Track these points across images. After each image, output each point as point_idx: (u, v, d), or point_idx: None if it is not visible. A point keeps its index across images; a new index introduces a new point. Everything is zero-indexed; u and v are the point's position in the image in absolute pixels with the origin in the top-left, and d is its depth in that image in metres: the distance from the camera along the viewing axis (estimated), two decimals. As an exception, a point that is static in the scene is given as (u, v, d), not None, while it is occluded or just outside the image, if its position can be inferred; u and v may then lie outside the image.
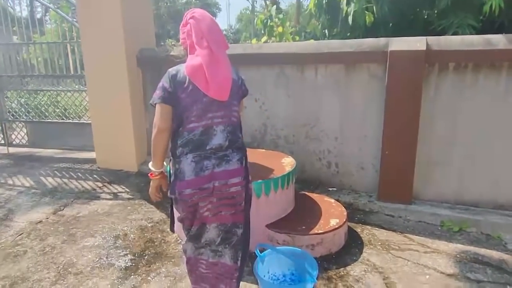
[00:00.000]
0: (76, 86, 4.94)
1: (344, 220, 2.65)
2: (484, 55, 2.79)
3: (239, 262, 1.78)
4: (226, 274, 1.77)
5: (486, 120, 2.92)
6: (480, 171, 3.02)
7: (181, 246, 1.91)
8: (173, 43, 3.05)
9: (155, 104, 1.62)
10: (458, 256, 2.52)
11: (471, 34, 3.56)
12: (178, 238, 2.77)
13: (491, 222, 2.85)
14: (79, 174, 4.30)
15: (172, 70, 1.63)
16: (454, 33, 3.61)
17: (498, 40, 2.77)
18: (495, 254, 2.55)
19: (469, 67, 2.89)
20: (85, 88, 4.49)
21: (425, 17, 4.59)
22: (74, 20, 4.57)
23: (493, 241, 2.74)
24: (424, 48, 2.88)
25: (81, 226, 2.99)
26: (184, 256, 1.85)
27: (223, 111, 1.63)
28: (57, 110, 5.04)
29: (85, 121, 4.80)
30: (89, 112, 4.49)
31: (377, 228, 2.94)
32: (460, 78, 2.93)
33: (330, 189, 3.56)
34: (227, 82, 1.60)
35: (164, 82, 1.62)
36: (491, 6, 3.28)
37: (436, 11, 4.18)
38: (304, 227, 2.53)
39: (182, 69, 1.61)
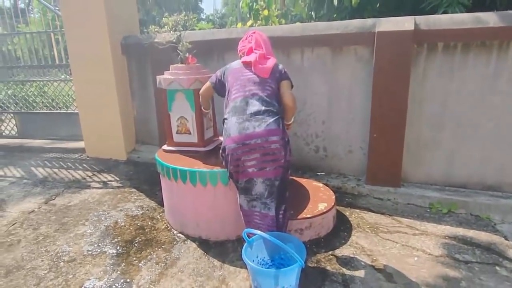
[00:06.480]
0: (63, 76, 4.88)
1: (333, 204, 2.65)
2: (474, 34, 2.74)
3: (281, 213, 2.13)
4: (273, 224, 2.10)
5: (475, 101, 2.89)
6: (468, 153, 3.00)
7: (238, 203, 2.20)
8: (156, 29, 2.97)
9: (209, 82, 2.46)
10: (446, 237, 2.53)
11: (461, 12, 3.49)
12: (168, 225, 2.77)
13: (480, 203, 2.85)
14: (69, 163, 4.28)
15: (227, 65, 2.37)
16: (444, 12, 3.53)
17: (489, 18, 2.71)
18: (484, 235, 2.56)
19: (459, 47, 2.84)
20: (71, 78, 4.42)
21: (414, -4, 4.48)
22: (57, 8, 4.47)
23: (482, 222, 2.75)
24: (412, 28, 2.82)
25: (72, 215, 3.00)
26: (240, 211, 2.19)
27: (258, 86, 2.13)
28: (45, 101, 4.98)
29: (72, 111, 4.75)
30: (76, 101, 4.44)
31: (365, 212, 2.95)
32: (450, 58, 2.88)
33: (319, 173, 3.55)
34: (268, 69, 2.18)
35: (219, 72, 2.38)
36: (482, -18, 3.20)
37: (425, -11, 4.08)
38: (292, 212, 2.52)
39: (235, 62, 2.32)
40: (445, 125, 3.02)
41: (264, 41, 2.30)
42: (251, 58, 2.20)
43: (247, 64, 2.23)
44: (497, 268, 2.19)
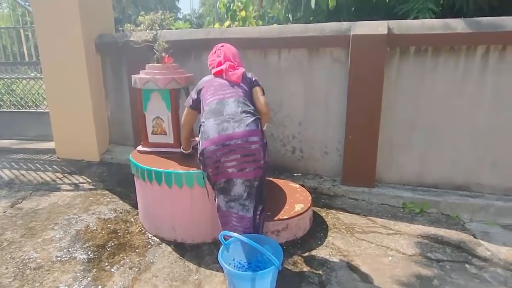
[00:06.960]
0: (32, 74, 4.70)
1: (309, 205, 2.66)
2: (444, 39, 2.83)
3: (258, 213, 2.11)
4: (250, 226, 2.08)
5: (445, 103, 2.98)
6: (439, 154, 3.09)
7: (215, 204, 2.16)
8: (132, 28, 2.90)
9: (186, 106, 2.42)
10: (419, 237, 2.60)
11: (431, 18, 3.60)
12: (142, 228, 2.70)
13: (450, 202, 2.94)
14: (37, 165, 4.10)
15: (198, 83, 2.37)
16: (415, 18, 3.64)
17: (457, 24, 2.81)
18: (454, 233, 2.64)
19: (429, 51, 2.93)
20: (42, 76, 4.27)
21: (387, 1, 4.59)
22: (27, 4, 4.30)
23: (452, 221, 2.83)
24: (385, 32, 2.89)
25: (40, 219, 2.87)
26: (217, 213, 2.16)
27: (232, 89, 2.20)
28: (13, 99, 4.78)
29: (42, 110, 4.58)
30: (47, 100, 4.28)
31: (341, 212, 2.98)
32: (421, 61, 2.96)
33: (295, 174, 3.56)
34: (239, 74, 2.26)
35: (193, 92, 2.36)
36: (451, -10, 3.32)
37: (397, -4, 4.19)
38: (269, 213, 2.52)
39: (208, 76, 2.37)
40: (417, 127, 3.09)
41: (233, 54, 2.37)
42: (222, 67, 2.29)
43: (218, 73, 2.31)
44: (467, 266, 2.26)
